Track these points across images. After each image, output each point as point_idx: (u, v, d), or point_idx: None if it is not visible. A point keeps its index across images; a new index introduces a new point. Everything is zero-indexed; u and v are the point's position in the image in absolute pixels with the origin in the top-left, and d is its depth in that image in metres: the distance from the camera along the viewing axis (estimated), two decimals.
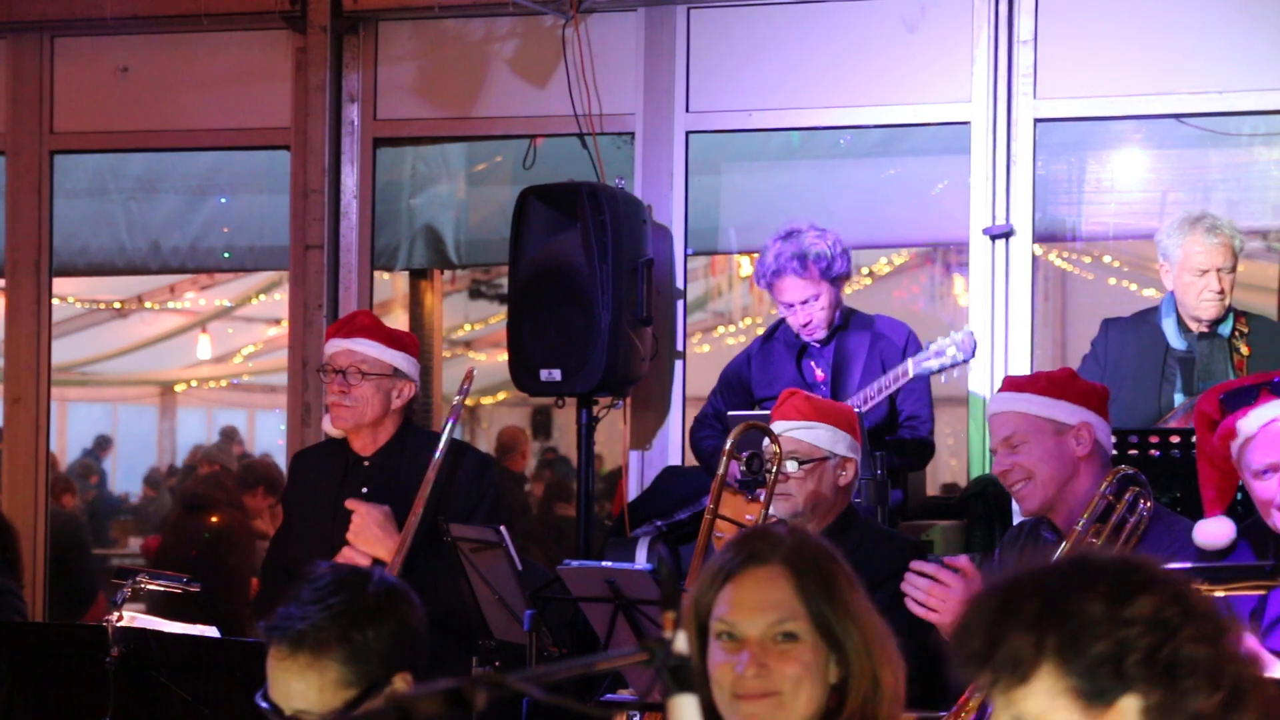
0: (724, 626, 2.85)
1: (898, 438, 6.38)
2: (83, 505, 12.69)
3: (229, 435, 14.52)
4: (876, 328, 6.48)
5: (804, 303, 6.33)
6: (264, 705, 3.06)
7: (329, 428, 5.46)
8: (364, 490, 5.33)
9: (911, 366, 6.17)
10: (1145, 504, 4.56)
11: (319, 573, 3.17)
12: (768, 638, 2.82)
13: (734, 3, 7.30)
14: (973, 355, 6.19)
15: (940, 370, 6.19)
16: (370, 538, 5.18)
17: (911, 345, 6.43)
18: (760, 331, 6.88)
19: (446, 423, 5.28)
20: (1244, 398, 4.44)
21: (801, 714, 2.83)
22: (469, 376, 5.48)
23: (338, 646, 3.02)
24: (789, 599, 2.83)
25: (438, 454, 5.21)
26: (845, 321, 6.46)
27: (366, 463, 5.37)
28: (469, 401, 14.92)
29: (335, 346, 5.39)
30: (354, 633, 3.03)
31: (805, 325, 6.36)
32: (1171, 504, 5.23)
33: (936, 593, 4.35)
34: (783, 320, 6.51)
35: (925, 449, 6.46)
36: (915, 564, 4.42)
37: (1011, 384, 4.84)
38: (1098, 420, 4.74)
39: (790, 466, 5.00)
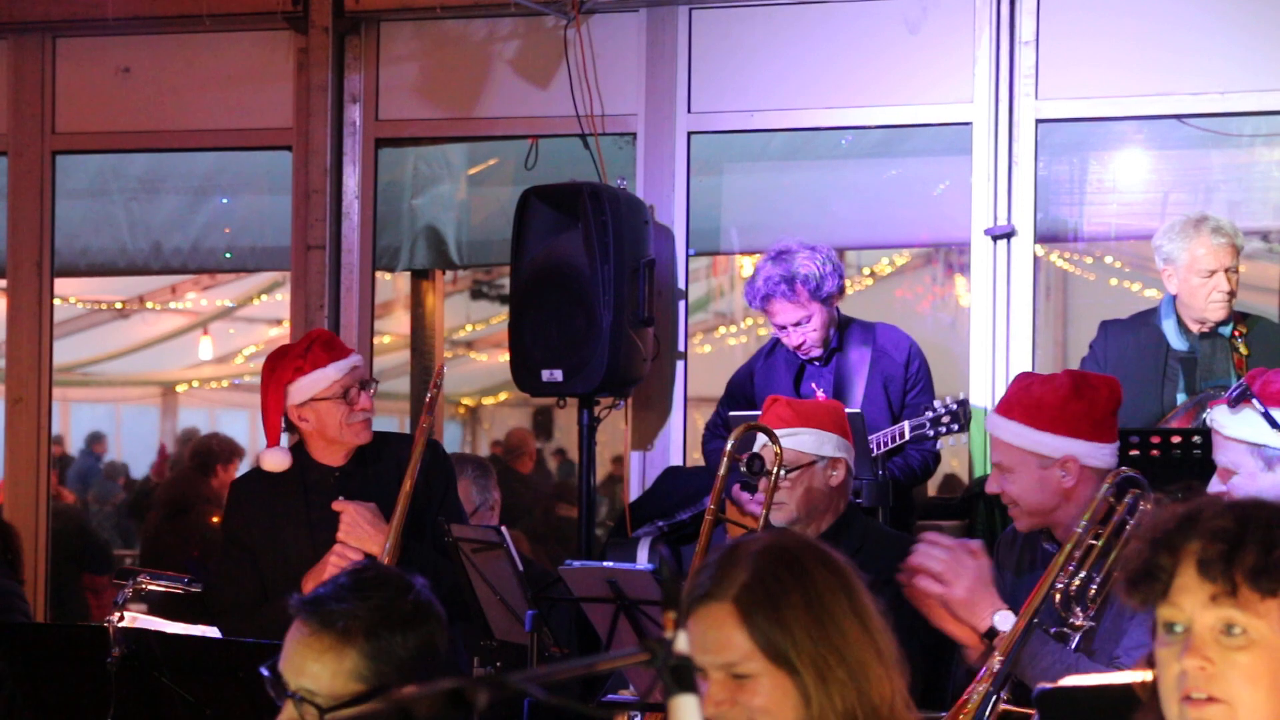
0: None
1: (907, 465, 6.34)
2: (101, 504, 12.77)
3: (188, 437, 14.49)
4: (878, 341, 6.41)
5: (796, 324, 6.29)
6: (267, 674, 3.07)
7: (274, 463, 5.40)
8: (340, 498, 5.32)
9: (909, 430, 6.17)
10: (1145, 505, 4.54)
11: (363, 566, 3.21)
12: (726, 676, 2.75)
13: (736, 3, 7.29)
14: (967, 426, 6.20)
15: (935, 438, 6.20)
16: (362, 535, 5.18)
17: (914, 359, 6.40)
18: (762, 333, 6.86)
19: (423, 419, 5.27)
20: None
21: None
22: (439, 373, 5.49)
23: (364, 640, 3.03)
24: (738, 640, 2.74)
25: (418, 448, 5.20)
26: (842, 337, 6.41)
27: (338, 473, 5.36)
28: (469, 401, 15.02)
29: (358, 360, 5.38)
30: (384, 631, 3.04)
31: (799, 346, 6.34)
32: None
33: (953, 565, 4.33)
34: None
35: (930, 465, 6.43)
36: (930, 535, 4.39)
37: (1004, 404, 4.66)
38: (1087, 448, 4.57)
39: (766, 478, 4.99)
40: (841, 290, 6.36)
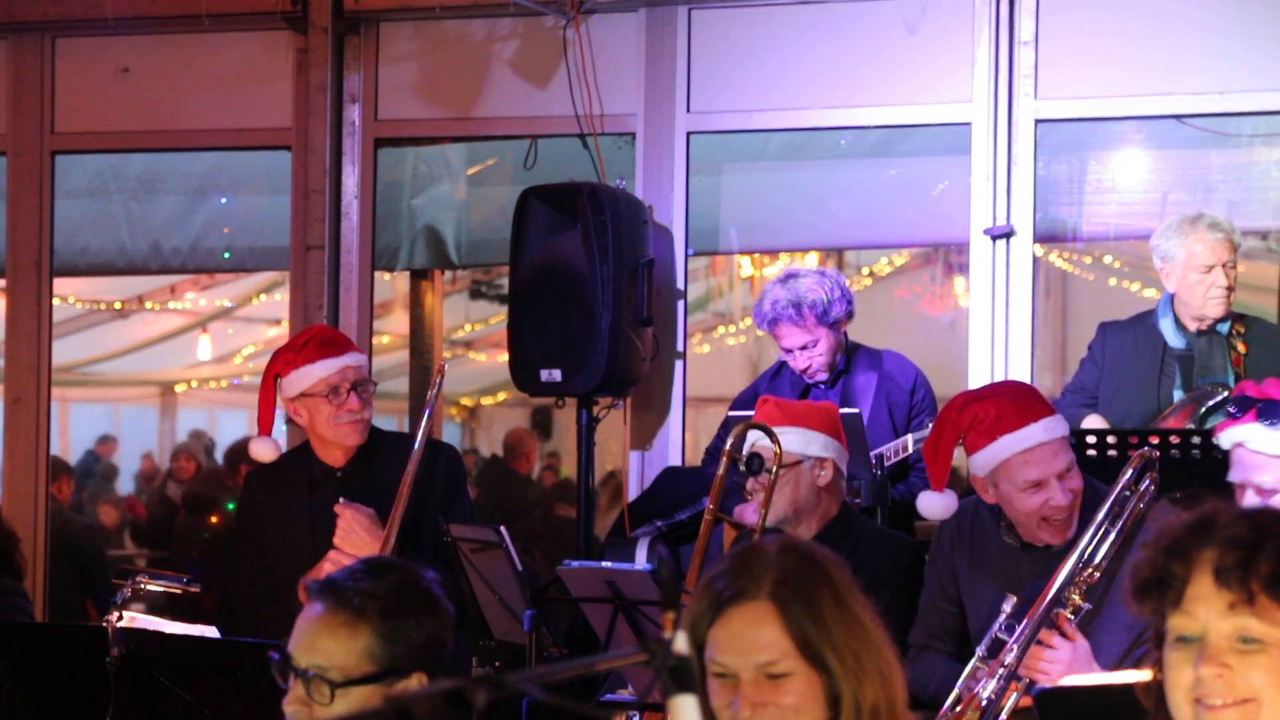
0: (716, 667, 2.76)
1: (910, 492, 6.32)
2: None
3: (196, 437, 14.50)
4: (885, 367, 6.42)
5: (803, 348, 6.30)
6: (275, 656, 3.07)
7: (262, 452, 5.41)
8: (341, 500, 5.32)
9: (911, 443, 6.17)
10: (1150, 481, 4.51)
11: (375, 556, 3.22)
12: (760, 677, 2.74)
13: (735, 3, 7.29)
14: None
15: None
16: (358, 540, 5.18)
17: (920, 387, 6.40)
18: (760, 334, 6.85)
19: (423, 419, 5.27)
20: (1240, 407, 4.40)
21: None
22: (440, 371, 5.50)
23: (379, 619, 3.03)
24: (776, 638, 2.74)
25: (416, 449, 5.20)
26: (849, 361, 6.42)
27: (339, 473, 5.36)
28: (468, 401, 15.01)
29: (356, 360, 5.37)
30: (398, 613, 3.05)
31: (805, 370, 6.35)
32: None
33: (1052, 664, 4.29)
34: None
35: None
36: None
37: (1046, 405, 4.60)
38: None
39: (764, 476, 4.98)
40: (849, 315, 6.36)
